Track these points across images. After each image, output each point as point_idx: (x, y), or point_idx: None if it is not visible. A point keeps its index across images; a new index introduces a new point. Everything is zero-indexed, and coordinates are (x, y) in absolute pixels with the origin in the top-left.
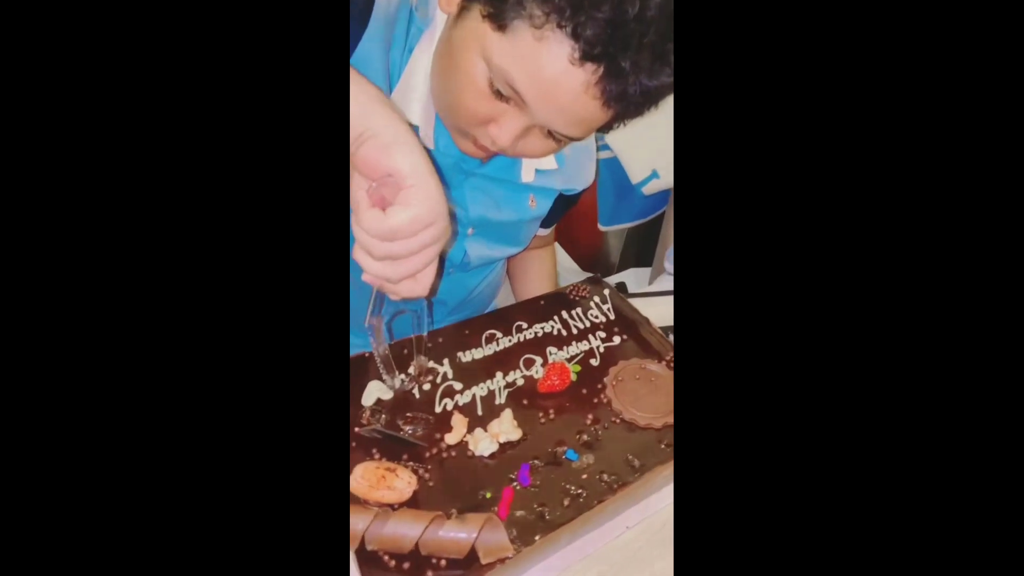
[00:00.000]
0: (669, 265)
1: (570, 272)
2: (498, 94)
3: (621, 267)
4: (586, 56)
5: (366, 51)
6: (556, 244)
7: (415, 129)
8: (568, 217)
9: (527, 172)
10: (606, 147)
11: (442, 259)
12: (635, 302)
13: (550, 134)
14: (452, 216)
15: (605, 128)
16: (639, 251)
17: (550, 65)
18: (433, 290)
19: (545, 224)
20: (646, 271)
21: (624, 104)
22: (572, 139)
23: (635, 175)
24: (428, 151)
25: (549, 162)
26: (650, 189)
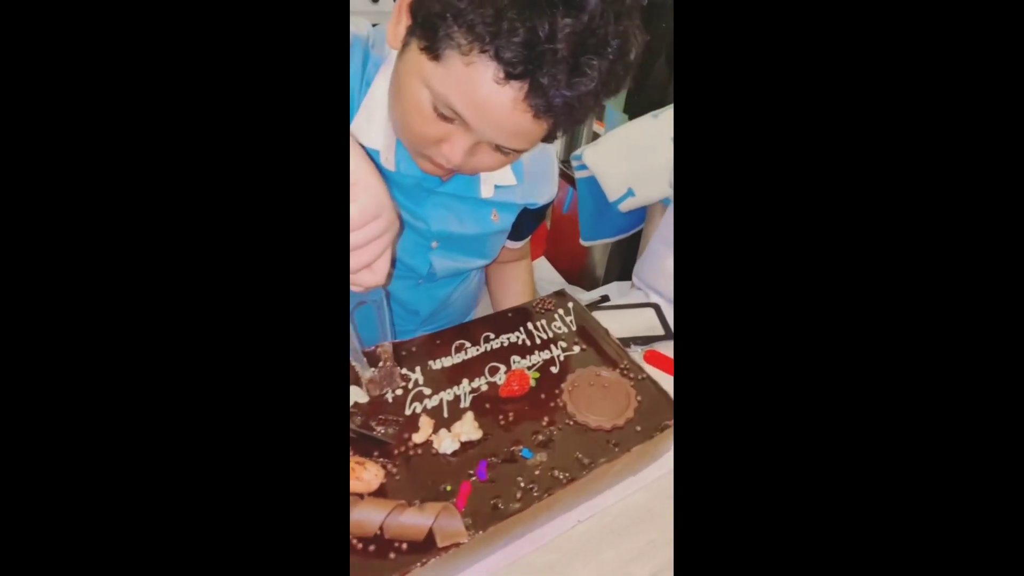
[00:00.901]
0: (637, 280)
1: (556, 285)
2: (443, 116)
3: (606, 280)
4: (509, 75)
5: None
6: (544, 258)
7: (376, 153)
8: (555, 233)
9: (486, 188)
10: (583, 167)
11: (409, 271)
12: (609, 313)
13: (498, 148)
14: (397, 212)
15: (549, 137)
16: (622, 265)
17: (480, 86)
18: (388, 278)
19: (515, 237)
20: (627, 284)
21: (553, 114)
22: (518, 151)
23: (612, 193)
24: (385, 170)
25: (508, 178)
26: (627, 206)
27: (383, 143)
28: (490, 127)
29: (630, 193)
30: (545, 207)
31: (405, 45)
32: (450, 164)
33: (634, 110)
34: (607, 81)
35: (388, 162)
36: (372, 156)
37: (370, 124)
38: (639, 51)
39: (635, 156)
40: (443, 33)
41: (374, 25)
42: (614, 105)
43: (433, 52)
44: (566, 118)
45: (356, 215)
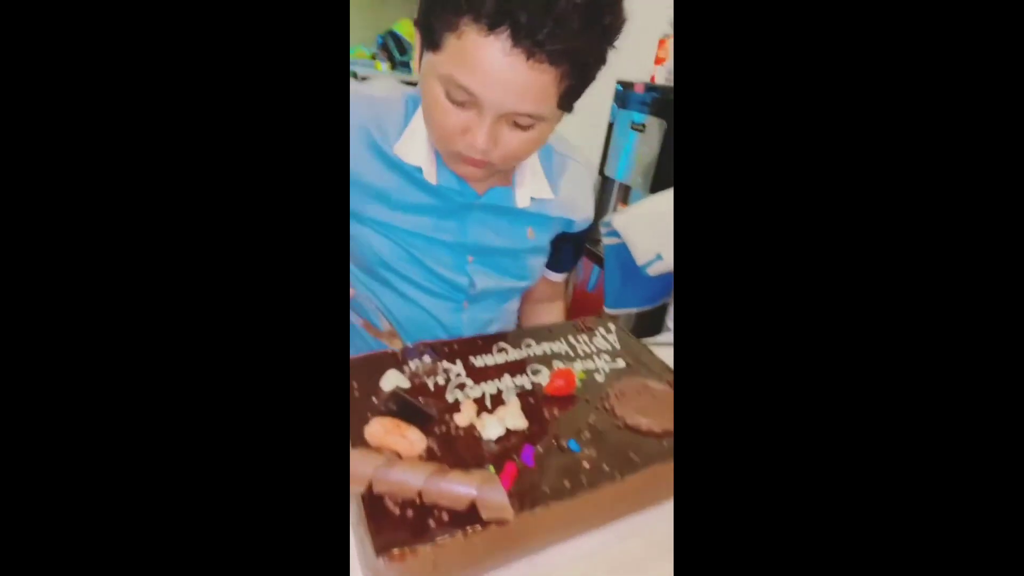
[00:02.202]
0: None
1: None
2: (457, 103)
3: None
4: (491, 27)
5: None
6: None
7: (418, 170)
8: (577, 302)
9: (522, 198)
10: (614, 233)
11: (452, 289)
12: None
13: (516, 124)
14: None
15: (564, 102)
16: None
17: (473, 50)
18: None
19: (554, 267)
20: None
21: (548, 56)
22: (535, 116)
23: (640, 257)
24: (427, 185)
25: (543, 190)
26: (655, 270)
27: (424, 159)
28: (495, 90)
29: (659, 257)
30: (583, 234)
31: (422, 61)
32: (479, 152)
33: (659, 190)
34: (592, 14)
35: (430, 176)
36: (413, 173)
37: (412, 144)
38: None
39: (664, 221)
40: (437, 24)
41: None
42: (640, 188)
43: (434, 45)
44: (564, 61)
45: None
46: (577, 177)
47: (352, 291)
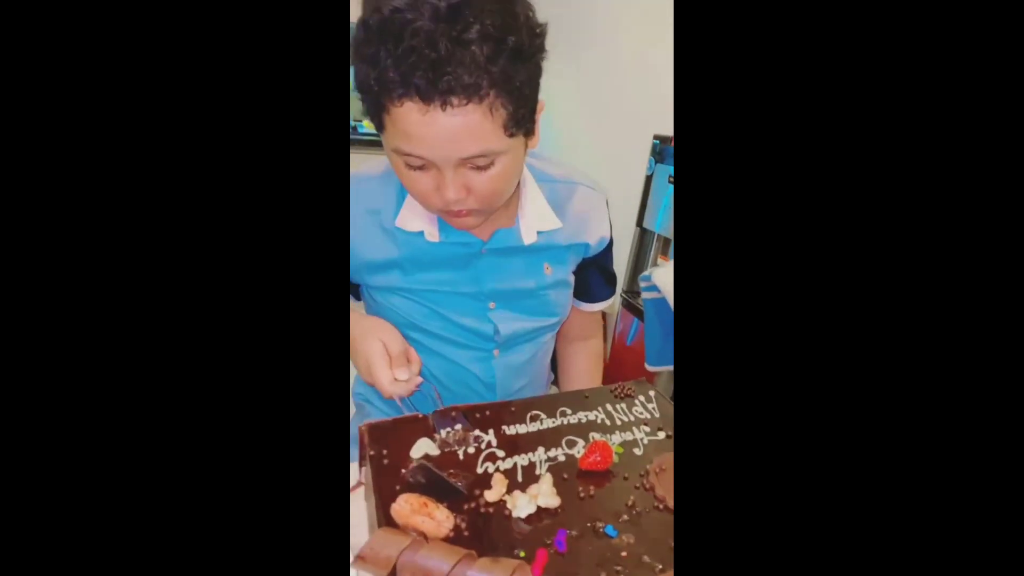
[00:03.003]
0: None
1: None
2: (417, 168)
3: None
4: (401, 96)
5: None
6: None
7: (421, 234)
8: (616, 364)
9: (528, 234)
10: (652, 288)
11: (479, 338)
12: None
13: (476, 167)
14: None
15: (512, 126)
16: None
17: (402, 121)
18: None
19: (585, 297)
20: None
21: (460, 99)
22: (487, 153)
23: None
24: (432, 244)
25: (549, 222)
26: None
27: (424, 223)
28: (435, 147)
29: None
30: (605, 256)
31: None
32: (457, 203)
33: None
34: (493, 44)
35: (432, 236)
36: (416, 238)
37: (409, 213)
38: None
39: None
40: (371, 110)
41: None
42: None
43: (379, 126)
44: (484, 96)
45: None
46: (585, 200)
47: (414, 383)
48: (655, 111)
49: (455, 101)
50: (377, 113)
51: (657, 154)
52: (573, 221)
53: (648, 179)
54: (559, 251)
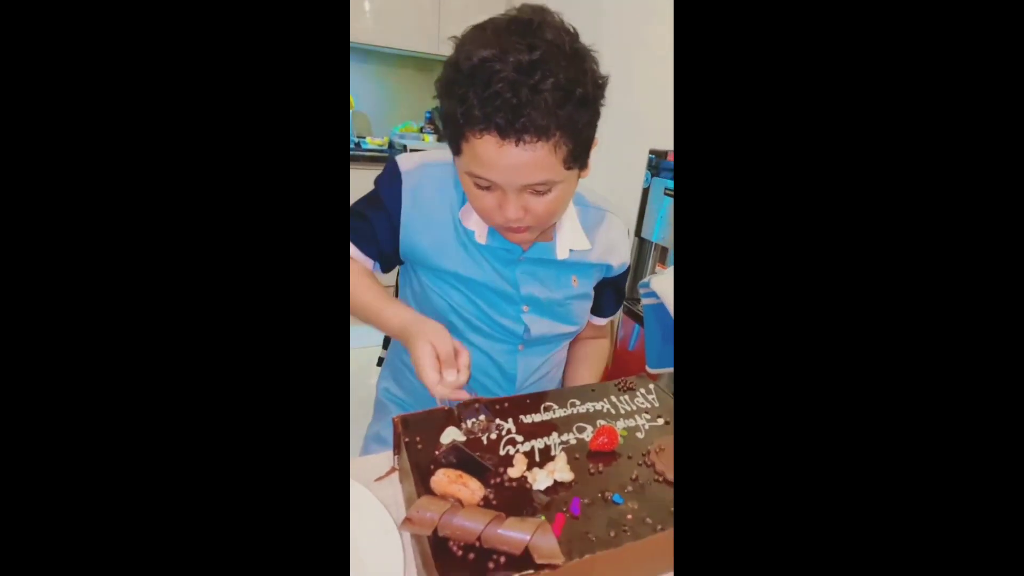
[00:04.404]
0: None
1: None
2: (484, 188)
3: None
4: (482, 131)
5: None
6: None
7: (472, 233)
8: (619, 359)
9: (561, 250)
10: (651, 294)
11: (510, 335)
12: None
13: (536, 192)
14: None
15: (571, 161)
16: None
17: (479, 150)
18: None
19: (598, 311)
20: None
21: (532, 137)
22: (548, 183)
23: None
24: (479, 245)
25: (581, 242)
26: None
27: (477, 225)
28: (504, 174)
29: None
30: (621, 278)
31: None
32: (517, 221)
33: None
34: (563, 92)
35: (481, 238)
36: (470, 235)
37: (470, 212)
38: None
39: None
40: (452, 138)
41: None
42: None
43: (456, 151)
44: (551, 135)
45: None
46: (612, 227)
47: (460, 393)
48: (651, 128)
49: (527, 139)
50: (456, 140)
51: (653, 168)
52: (601, 244)
53: (645, 192)
54: (586, 268)
